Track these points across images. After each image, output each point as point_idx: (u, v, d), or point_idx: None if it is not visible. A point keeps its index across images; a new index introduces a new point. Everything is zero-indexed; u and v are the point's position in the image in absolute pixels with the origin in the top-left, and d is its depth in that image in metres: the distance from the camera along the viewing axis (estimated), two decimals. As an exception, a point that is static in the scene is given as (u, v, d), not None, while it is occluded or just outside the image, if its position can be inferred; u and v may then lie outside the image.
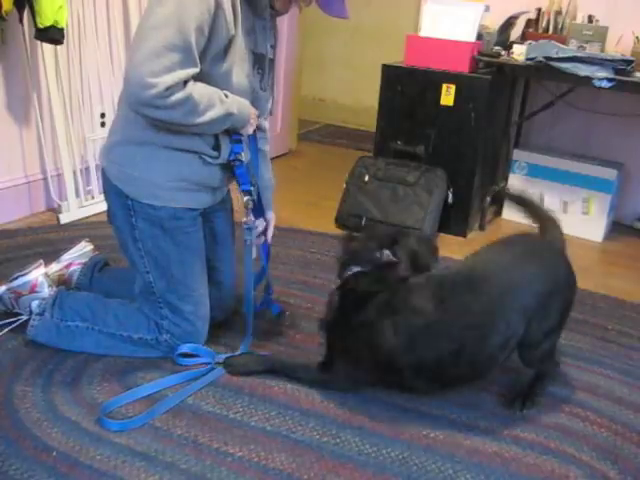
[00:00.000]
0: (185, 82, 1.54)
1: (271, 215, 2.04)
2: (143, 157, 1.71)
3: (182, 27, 1.49)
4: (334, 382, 1.79)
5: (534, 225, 1.97)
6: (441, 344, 1.68)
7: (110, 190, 1.78)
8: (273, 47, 1.85)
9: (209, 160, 1.74)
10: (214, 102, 1.61)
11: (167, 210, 1.75)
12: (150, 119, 1.60)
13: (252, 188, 1.84)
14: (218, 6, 1.55)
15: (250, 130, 1.77)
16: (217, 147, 1.74)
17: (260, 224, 1.97)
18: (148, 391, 1.72)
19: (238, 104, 1.68)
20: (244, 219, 1.87)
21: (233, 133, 1.75)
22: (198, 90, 1.57)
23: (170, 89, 1.49)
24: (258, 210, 1.95)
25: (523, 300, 1.69)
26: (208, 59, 1.61)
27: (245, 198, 1.84)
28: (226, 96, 1.64)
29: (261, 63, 1.79)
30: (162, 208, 1.74)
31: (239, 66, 1.68)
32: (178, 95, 1.51)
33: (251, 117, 1.74)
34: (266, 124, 2.02)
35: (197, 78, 1.59)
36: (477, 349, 1.68)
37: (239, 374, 1.84)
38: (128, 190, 1.74)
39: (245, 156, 1.79)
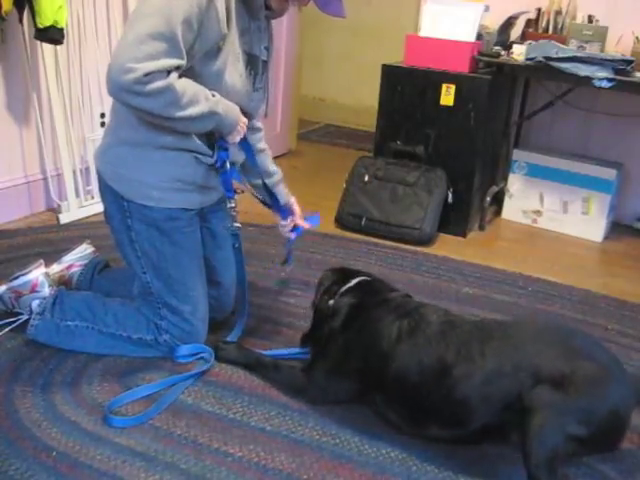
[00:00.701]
0: (169, 72, 1.51)
1: (292, 199, 2.12)
2: (136, 158, 1.71)
3: (169, 17, 1.48)
4: (307, 390, 1.74)
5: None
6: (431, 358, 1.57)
7: (105, 191, 1.78)
8: (267, 49, 1.83)
9: (203, 160, 1.73)
10: (198, 98, 1.58)
11: (162, 211, 1.74)
12: (131, 109, 1.57)
13: (236, 196, 1.85)
14: (210, 3, 1.54)
15: (237, 138, 1.73)
16: (211, 145, 1.73)
17: (287, 225, 2.09)
18: (148, 391, 1.72)
19: (225, 106, 1.65)
20: (228, 225, 1.87)
21: (219, 139, 1.72)
22: (182, 83, 1.54)
23: (150, 75, 1.47)
24: (277, 207, 2.06)
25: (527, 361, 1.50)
26: (199, 57, 1.59)
27: (228, 205, 1.84)
28: (213, 96, 1.62)
29: (254, 64, 1.77)
30: (157, 209, 1.74)
31: (232, 66, 1.67)
32: (158, 83, 1.48)
33: (239, 124, 1.71)
34: (260, 124, 2.01)
35: (188, 77, 1.58)
36: (462, 379, 1.53)
37: (222, 360, 1.86)
38: (123, 191, 1.73)
39: (229, 164, 1.78)
